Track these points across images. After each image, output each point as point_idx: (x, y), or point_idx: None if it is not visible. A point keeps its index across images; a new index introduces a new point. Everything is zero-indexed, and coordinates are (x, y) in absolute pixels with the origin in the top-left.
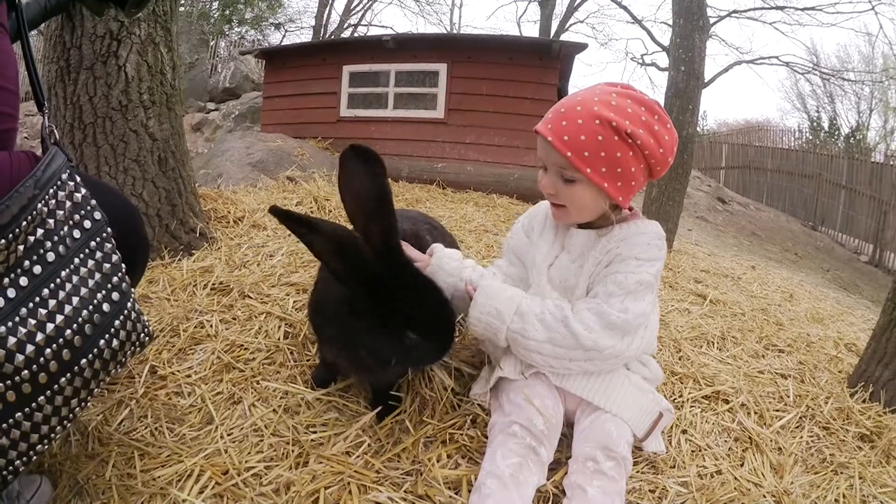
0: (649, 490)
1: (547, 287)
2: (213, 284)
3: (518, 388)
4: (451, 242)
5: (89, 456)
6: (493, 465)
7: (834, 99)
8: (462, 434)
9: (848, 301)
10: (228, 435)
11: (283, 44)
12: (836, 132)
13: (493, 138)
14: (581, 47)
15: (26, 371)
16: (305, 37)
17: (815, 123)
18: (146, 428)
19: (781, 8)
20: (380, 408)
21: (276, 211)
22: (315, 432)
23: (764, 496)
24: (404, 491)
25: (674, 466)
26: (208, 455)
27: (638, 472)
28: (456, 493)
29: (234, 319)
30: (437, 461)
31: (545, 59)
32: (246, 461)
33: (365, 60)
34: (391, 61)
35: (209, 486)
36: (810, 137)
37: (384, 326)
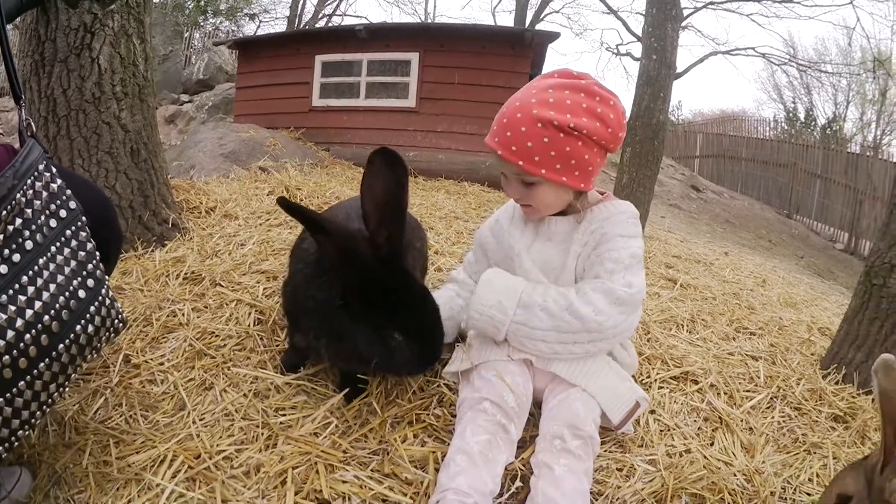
0: (617, 468)
1: (534, 270)
2: (186, 274)
3: (490, 365)
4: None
5: (66, 445)
6: (463, 442)
7: (811, 90)
8: (429, 414)
9: (822, 287)
10: (200, 420)
11: (256, 34)
12: (813, 123)
13: (465, 126)
14: (553, 36)
15: (7, 356)
16: (280, 27)
17: (790, 114)
18: (121, 416)
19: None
20: (347, 389)
21: (283, 203)
22: (284, 415)
23: (734, 475)
24: (371, 469)
25: (642, 445)
26: (181, 440)
27: (606, 450)
28: (423, 471)
29: (206, 308)
30: (404, 441)
31: (517, 47)
32: (217, 445)
33: (337, 50)
34: (363, 51)
35: (182, 471)
36: (786, 128)
37: (372, 325)
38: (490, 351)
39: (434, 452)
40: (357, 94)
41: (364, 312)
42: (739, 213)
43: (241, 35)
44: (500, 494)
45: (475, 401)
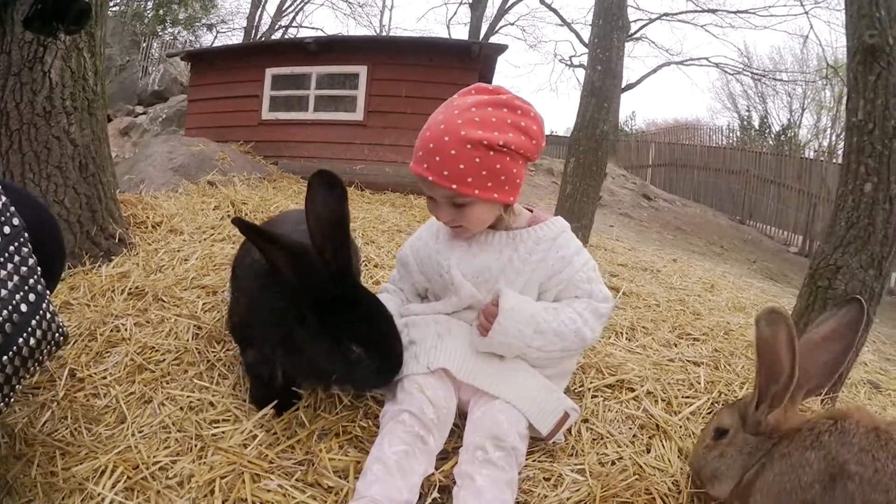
0: (544, 478)
1: (466, 285)
2: (130, 289)
3: (412, 378)
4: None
5: (17, 456)
6: (381, 452)
7: (765, 99)
8: (355, 426)
9: (774, 290)
10: (139, 432)
11: (207, 46)
12: (767, 130)
13: (412, 140)
14: (501, 48)
15: None
16: (237, 38)
17: (745, 122)
18: (66, 428)
19: (713, 11)
20: (276, 402)
21: (238, 222)
22: (217, 427)
23: (664, 481)
24: (295, 479)
25: (572, 454)
26: (121, 452)
27: (534, 460)
28: (344, 479)
29: (148, 322)
30: (329, 451)
31: (465, 60)
32: (154, 456)
33: (287, 63)
34: (313, 64)
35: (121, 481)
36: (740, 136)
37: (331, 338)
38: (410, 364)
39: (357, 462)
40: (306, 108)
41: (321, 326)
42: (691, 221)
43: (199, 45)
44: None
45: (395, 412)
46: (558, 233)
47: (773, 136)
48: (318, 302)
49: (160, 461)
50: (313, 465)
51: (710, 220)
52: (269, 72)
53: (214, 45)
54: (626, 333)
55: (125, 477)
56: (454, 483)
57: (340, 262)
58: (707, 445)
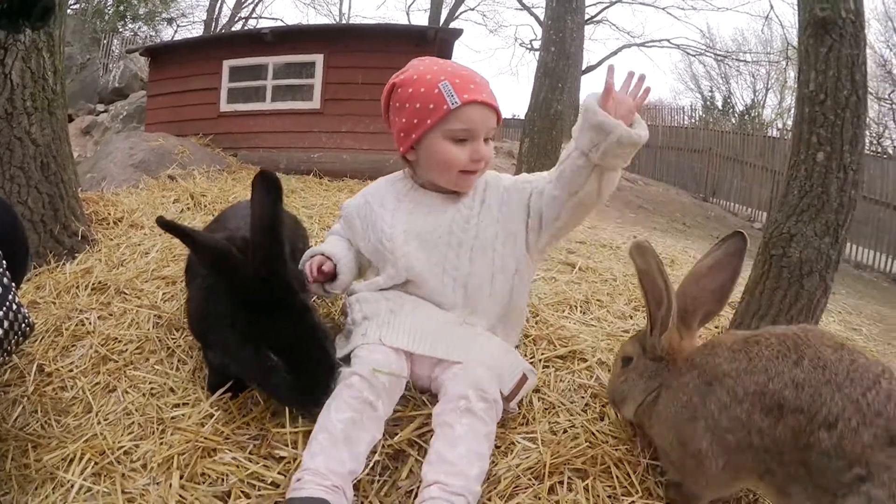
0: (496, 446)
1: (403, 256)
2: (93, 284)
3: (365, 346)
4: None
5: None
6: (327, 419)
7: (729, 79)
8: None
9: None
10: (105, 420)
11: (170, 40)
12: (731, 110)
13: (369, 126)
14: (457, 33)
15: None
16: (197, 31)
17: (708, 102)
18: (37, 422)
19: None
20: (231, 382)
21: (161, 222)
22: (178, 410)
23: (618, 448)
24: (248, 452)
25: (524, 423)
26: (88, 439)
27: None
28: (294, 448)
29: (111, 315)
30: (282, 427)
31: (421, 45)
32: (118, 441)
33: (245, 55)
34: (270, 54)
35: (89, 467)
36: (703, 116)
37: (251, 344)
38: (365, 335)
39: (308, 432)
40: (263, 98)
41: (245, 329)
42: (654, 199)
43: (159, 40)
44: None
45: (345, 375)
46: (484, 179)
47: (736, 115)
48: (247, 304)
49: (124, 446)
50: (266, 439)
51: (672, 199)
52: (227, 64)
53: (175, 38)
54: (581, 307)
55: (92, 463)
56: (404, 451)
57: (269, 264)
58: (616, 373)
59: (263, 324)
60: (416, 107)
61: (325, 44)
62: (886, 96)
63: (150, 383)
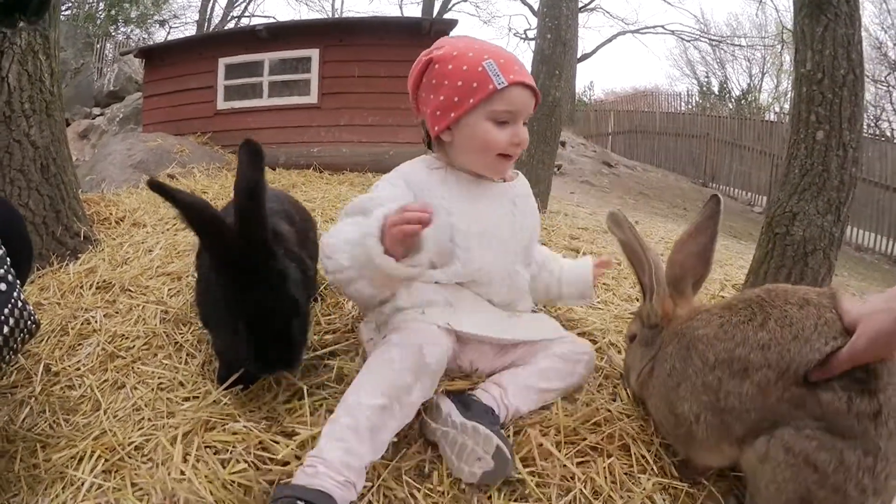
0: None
1: (481, 247)
2: (98, 283)
3: (418, 325)
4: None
5: (0, 454)
6: (357, 401)
7: (724, 64)
8: (322, 391)
9: (738, 247)
10: (115, 416)
11: (164, 41)
12: (727, 95)
13: (367, 118)
14: (451, 24)
15: None
16: (190, 32)
17: (704, 88)
18: (45, 422)
19: None
20: (241, 371)
21: (150, 182)
22: (188, 403)
23: (632, 425)
24: (261, 428)
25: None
26: (97, 437)
27: None
28: (311, 426)
29: (117, 313)
30: (295, 412)
31: (416, 37)
32: (129, 437)
33: (239, 52)
34: (265, 50)
35: (99, 465)
36: (700, 101)
37: (225, 310)
38: (424, 315)
39: (322, 405)
40: (260, 95)
41: (222, 294)
42: (653, 185)
43: (152, 43)
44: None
45: (385, 348)
46: (530, 189)
47: (733, 100)
48: (222, 269)
49: (134, 441)
50: (279, 422)
51: (672, 184)
52: (222, 61)
53: (168, 39)
54: None
55: (103, 460)
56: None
57: (250, 231)
58: (625, 350)
59: (238, 290)
60: (458, 84)
61: (321, 38)
62: (883, 79)
63: (158, 378)
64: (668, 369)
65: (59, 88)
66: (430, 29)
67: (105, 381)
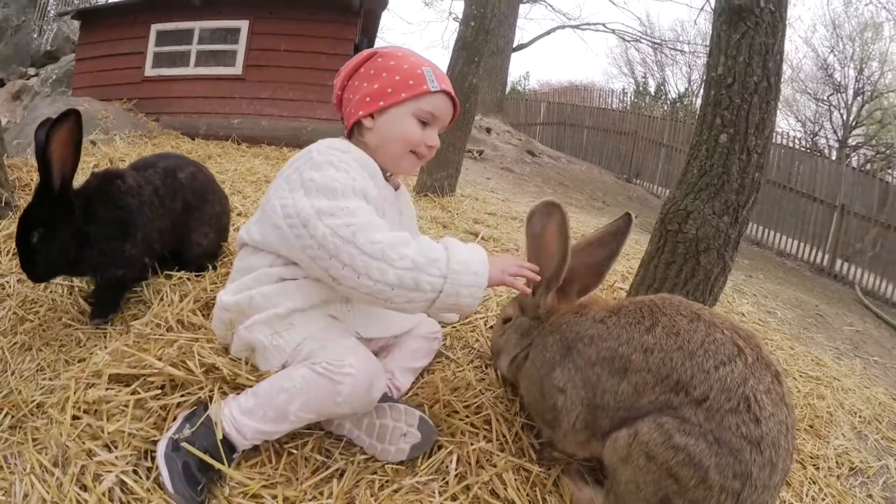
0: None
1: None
2: (13, 250)
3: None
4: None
5: None
6: (287, 408)
7: (664, 67)
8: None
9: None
10: (21, 377)
11: (98, 3)
12: (663, 97)
13: (289, 93)
14: (383, 3)
15: None
16: None
17: (640, 88)
18: None
19: None
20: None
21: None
22: (83, 360)
23: (495, 399)
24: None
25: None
26: (5, 395)
27: None
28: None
29: None
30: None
31: (346, 15)
32: (32, 396)
33: (173, 19)
34: (198, 19)
35: (7, 420)
36: (635, 100)
37: None
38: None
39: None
40: (188, 63)
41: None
42: (576, 177)
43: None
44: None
45: (334, 374)
46: (410, 200)
47: (668, 102)
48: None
49: (36, 399)
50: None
51: (595, 177)
52: (155, 27)
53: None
54: None
55: (10, 416)
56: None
57: (46, 181)
58: (496, 331)
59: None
60: (395, 78)
61: (252, 10)
62: (825, 98)
63: (60, 341)
64: (544, 357)
65: None
66: (360, 7)
67: (15, 343)
